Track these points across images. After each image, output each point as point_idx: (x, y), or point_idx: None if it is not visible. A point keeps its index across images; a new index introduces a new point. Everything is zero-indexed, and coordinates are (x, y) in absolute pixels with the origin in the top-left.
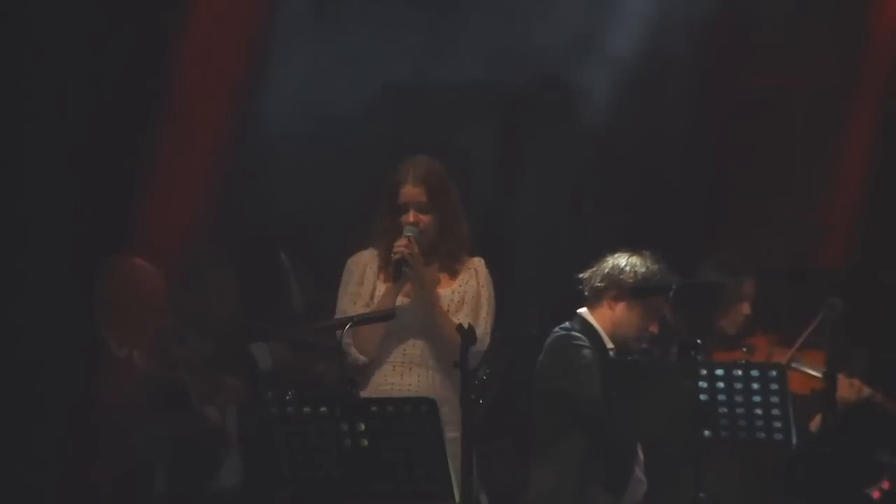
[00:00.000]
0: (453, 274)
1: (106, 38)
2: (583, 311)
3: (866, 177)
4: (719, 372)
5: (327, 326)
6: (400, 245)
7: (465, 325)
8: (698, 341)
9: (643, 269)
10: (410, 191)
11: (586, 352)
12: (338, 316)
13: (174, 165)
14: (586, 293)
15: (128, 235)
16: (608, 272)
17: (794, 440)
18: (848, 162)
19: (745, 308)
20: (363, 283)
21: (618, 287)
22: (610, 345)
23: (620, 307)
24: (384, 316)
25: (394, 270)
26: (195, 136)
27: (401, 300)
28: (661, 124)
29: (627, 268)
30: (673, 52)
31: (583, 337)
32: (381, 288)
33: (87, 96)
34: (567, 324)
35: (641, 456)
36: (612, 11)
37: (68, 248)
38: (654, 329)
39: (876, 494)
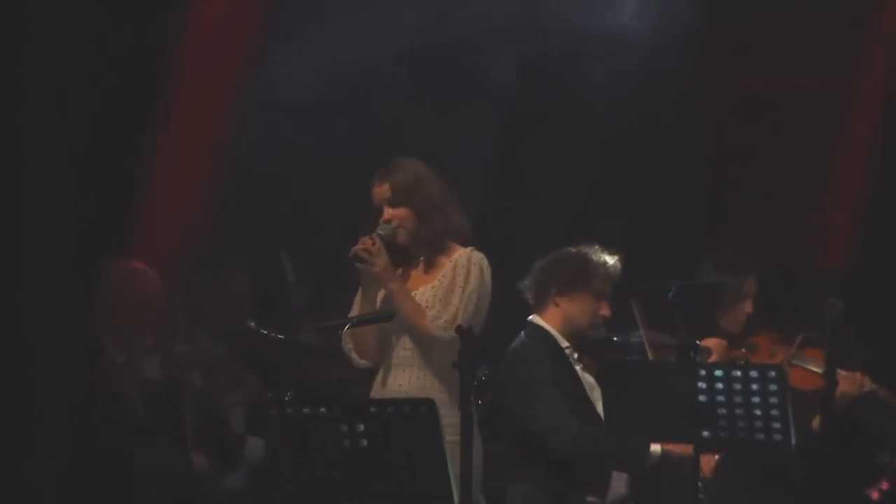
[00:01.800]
0: (436, 267)
1: (106, 38)
2: (532, 317)
3: (866, 177)
4: (718, 373)
5: (327, 327)
6: (360, 244)
7: (465, 326)
8: (697, 342)
9: (578, 260)
10: (377, 190)
11: (535, 366)
12: None
13: (175, 166)
14: (531, 301)
15: (129, 236)
16: (542, 272)
17: (793, 441)
18: (848, 163)
19: (748, 307)
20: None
21: (557, 284)
22: (565, 343)
23: (564, 302)
24: (383, 317)
25: (359, 271)
26: (196, 137)
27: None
28: (661, 124)
29: (558, 263)
30: (673, 53)
31: (532, 349)
32: (380, 295)
33: (87, 96)
34: (521, 333)
35: None
36: (612, 10)
37: (69, 249)
38: (605, 312)
39: (875, 495)
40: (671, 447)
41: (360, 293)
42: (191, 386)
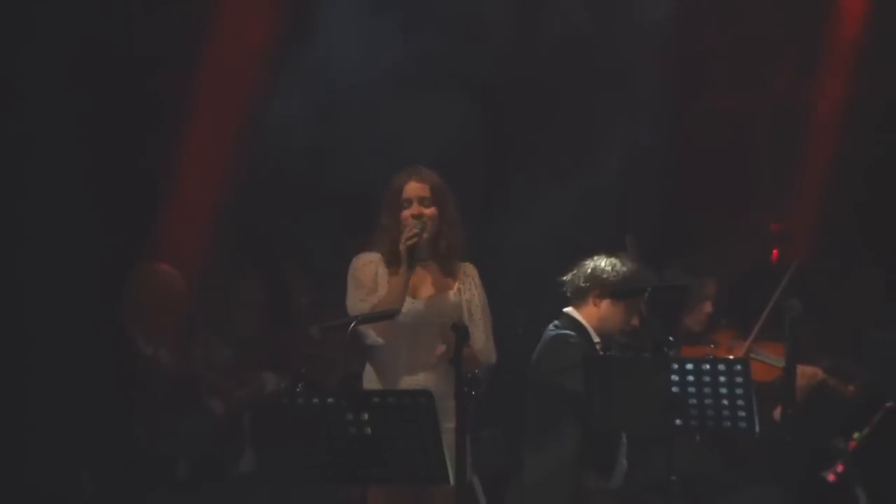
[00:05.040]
0: (450, 276)
1: (125, 48)
2: (569, 309)
3: (824, 189)
4: (689, 366)
5: (334, 326)
6: (412, 231)
7: (460, 325)
8: (671, 339)
9: (624, 269)
10: (414, 186)
11: (579, 350)
12: (350, 311)
13: (196, 175)
14: (569, 294)
15: (151, 246)
16: (591, 273)
17: (757, 428)
18: (807, 177)
19: (708, 307)
20: (376, 281)
21: (601, 286)
22: (597, 339)
23: (605, 304)
24: (386, 315)
25: (407, 257)
26: (214, 148)
27: (411, 302)
28: (639, 140)
29: (609, 268)
30: (652, 75)
31: (575, 335)
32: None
33: (107, 109)
34: (557, 322)
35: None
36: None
37: (96, 257)
38: (634, 322)
39: (831, 477)
40: None
41: (371, 283)
42: (205, 382)
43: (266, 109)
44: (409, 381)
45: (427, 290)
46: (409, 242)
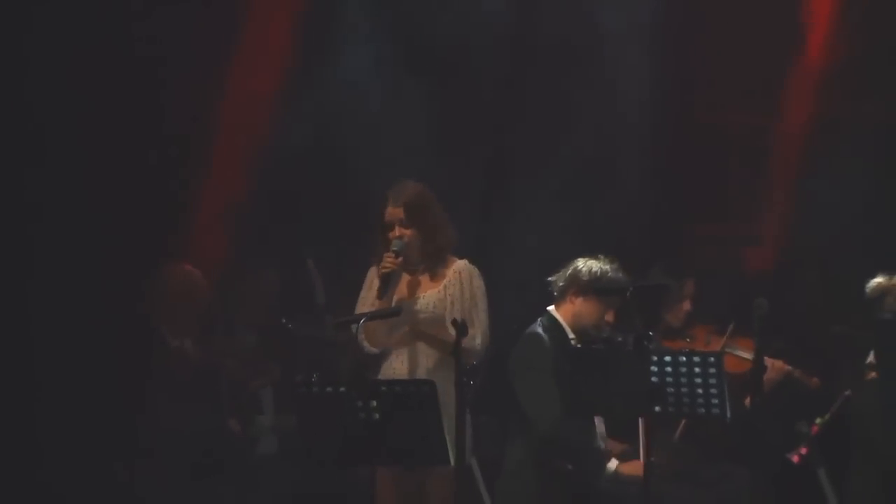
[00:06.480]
0: (439, 276)
1: (141, 49)
2: (551, 308)
3: (790, 197)
4: (667, 358)
5: (343, 321)
6: (387, 260)
7: (459, 320)
8: (651, 333)
9: (597, 270)
10: (392, 211)
11: (546, 355)
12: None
13: (215, 180)
14: (555, 293)
15: (174, 246)
16: (570, 273)
17: (729, 415)
18: (775, 188)
19: (687, 305)
20: (371, 289)
21: (577, 285)
22: (572, 335)
23: (579, 301)
24: (391, 312)
25: (381, 284)
26: (236, 154)
27: (398, 301)
28: (626, 155)
29: (584, 269)
30: (637, 93)
31: (547, 339)
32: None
33: (134, 119)
34: (539, 320)
35: (602, 428)
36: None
37: (122, 257)
38: (609, 319)
39: (795, 459)
40: (624, 467)
41: (365, 293)
42: (226, 371)
43: (284, 113)
44: (402, 371)
45: (401, 295)
46: (383, 271)
